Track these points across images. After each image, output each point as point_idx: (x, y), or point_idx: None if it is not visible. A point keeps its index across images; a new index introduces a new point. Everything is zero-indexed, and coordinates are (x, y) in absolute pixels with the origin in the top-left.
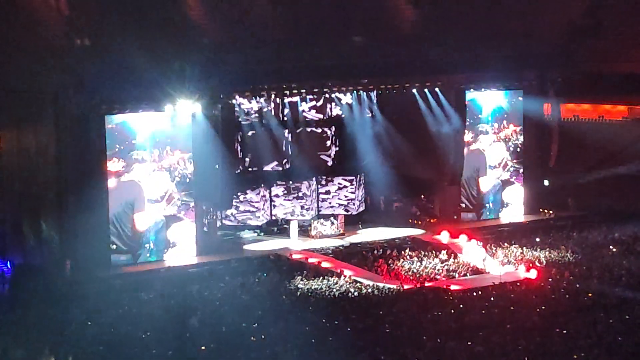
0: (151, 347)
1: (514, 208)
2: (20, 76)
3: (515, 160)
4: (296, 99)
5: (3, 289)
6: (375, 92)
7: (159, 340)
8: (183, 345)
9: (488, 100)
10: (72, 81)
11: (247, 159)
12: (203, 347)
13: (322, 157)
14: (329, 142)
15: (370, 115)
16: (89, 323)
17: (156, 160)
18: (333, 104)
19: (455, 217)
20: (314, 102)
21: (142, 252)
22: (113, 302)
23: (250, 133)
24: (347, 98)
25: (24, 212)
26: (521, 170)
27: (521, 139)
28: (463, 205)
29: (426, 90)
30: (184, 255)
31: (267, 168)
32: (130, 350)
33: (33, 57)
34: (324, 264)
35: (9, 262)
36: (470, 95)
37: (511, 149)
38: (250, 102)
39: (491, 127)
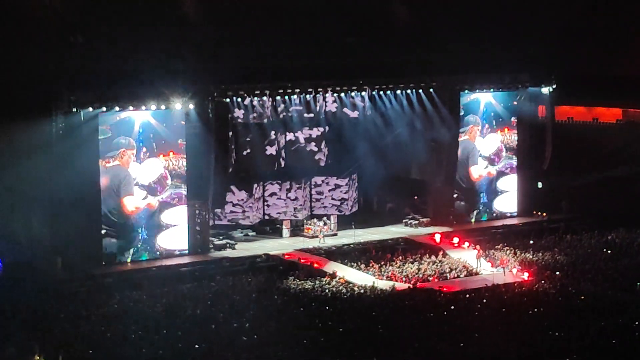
0: (141, 346)
1: (509, 196)
2: (12, 74)
3: (509, 152)
4: (290, 98)
5: None
6: (369, 92)
7: (149, 339)
8: (173, 344)
9: (482, 98)
10: (64, 79)
11: (240, 159)
12: None
13: (315, 157)
14: (323, 143)
15: (364, 115)
16: (79, 321)
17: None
18: (327, 103)
19: (451, 217)
20: (307, 102)
21: (134, 237)
22: (104, 300)
23: (243, 132)
24: (341, 98)
25: (15, 209)
26: (515, 163)
27: (515, 140)
28: (455, 196)
29: (421, 91)
30: (175, 238)
31: (261, 168)
32: (120, 349)
33: (26, 55)
34: (317, 264)
35: None
36: (466, 97)
37: (505, 147)
38: (244, 101)
39: (483, 123)
